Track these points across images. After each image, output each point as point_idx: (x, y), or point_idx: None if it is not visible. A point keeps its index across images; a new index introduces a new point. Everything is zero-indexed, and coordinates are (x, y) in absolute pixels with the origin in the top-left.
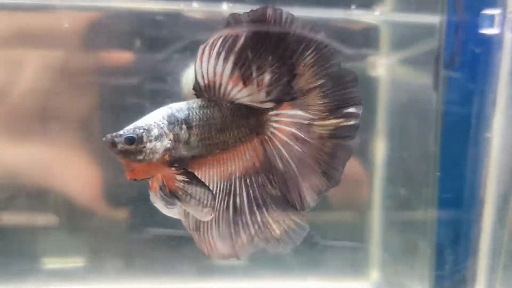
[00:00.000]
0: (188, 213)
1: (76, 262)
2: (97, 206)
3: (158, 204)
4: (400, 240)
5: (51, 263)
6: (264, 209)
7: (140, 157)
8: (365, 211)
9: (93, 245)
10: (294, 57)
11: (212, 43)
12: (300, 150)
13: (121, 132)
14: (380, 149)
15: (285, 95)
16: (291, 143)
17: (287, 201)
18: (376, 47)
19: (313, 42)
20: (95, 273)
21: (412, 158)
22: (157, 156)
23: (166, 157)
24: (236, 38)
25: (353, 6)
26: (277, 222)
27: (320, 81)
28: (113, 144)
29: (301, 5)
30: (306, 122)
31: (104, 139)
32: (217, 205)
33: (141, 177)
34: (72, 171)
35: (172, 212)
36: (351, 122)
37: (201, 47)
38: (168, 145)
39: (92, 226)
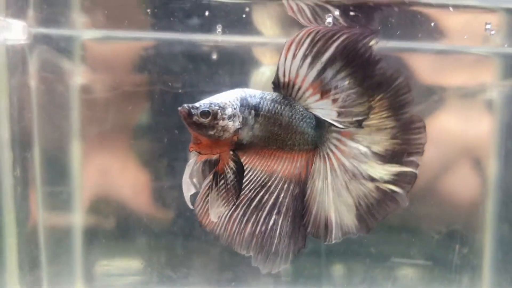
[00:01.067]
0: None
1: (131, 265)
2: (148, 211)
3: (188, 170)
4: None
5: (108, 265)
6: (281, 218)
7: (211, 132)
8: (477, 233)
9: (147, 249)
10: (373, 91)
11: (300, 40)
12: (344, 184)
13: (197, 104)
14: (493, 170)
15: (353, 122)
16: (339, 173)
17: (303, 223)
18: (489, 75)
19: (394, 86)
20: (150, 277)
21: None
22: (226, 134)
23: (235, 138)
24: (325, 44)
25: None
26: (280, 237)
27: (390, 124)
28: (189, 115)
29: (421, 39)
30: (363, 159)
31: (180, 108)
32: (246, 192)
33: (204, 152)
34: (125, 178)
35: (187, 185)
36: (410, 170)
37: (288, 42)
38: (238, 127)
39: (144, 230)
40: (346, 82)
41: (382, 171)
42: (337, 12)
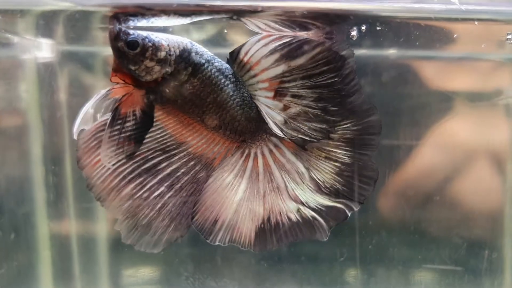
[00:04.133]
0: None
1: (149, 272)
2: None
3: (94, 100)
4: None
5: (128, 273)
6: (170, 193)
7: (132, 67)
8: (498, 238)
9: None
10: (339, 119)
11: (280, 36)
12: (262, 192)
13: (132, 31)
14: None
15: (296, 138)
16: (261, 178)
17: (193, 210)
18: (504, 80)
19: (365, 122)
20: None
21: None
22: (148, 77)
23: (152, 84)
24: (300, 49)
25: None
26: (160, 213)
27: (342, 159)
28: (116, 38)
29: (433, 47)
30: (297, 179)
31: (111, 26)
32: (144, 149)
33: (119, 86)
34: None
35: (86, 116)
36: (343, 209)
37: (276, 34)
38: (165, 76)
39: None
40: (310, 98)
41: (312, 198)
42: (363, 27)
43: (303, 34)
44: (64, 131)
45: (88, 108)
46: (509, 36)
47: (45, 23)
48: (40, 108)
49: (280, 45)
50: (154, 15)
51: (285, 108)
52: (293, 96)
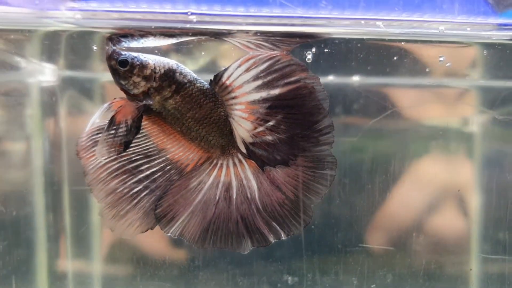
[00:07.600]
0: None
1: None
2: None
3: (99, 112)
4: (499, 280)
5: None
6: (145, 192)
7: (123, 82)
8: (463, 255)
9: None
10: (301, 153)
11: (260, 60)
12: (216, 198)
13: (123, 52)
14: (475, 200)
15: (264, 162)
16: (220, 186)
17: (157, 203)
18: (469, 107)
19: (323, 173)
20: None
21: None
22: (135, 91)
23: (141, 95)
24: (282, 79)
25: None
26: (136, 207)
27: (289, 194)
28: (109, 57)
29: (405, 74)
30: (247, 195)
31: (107, 47)
32: (130, 152)
33: (117, 100)
34: None
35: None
36: (265, 238)
37: (249, 55)
38: (149, 90)
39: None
40: (281, 129)
41: (251, 216)
42: (313, 49)
43: (277, 53)
44: (63, 151)
45: (95, 118)
46: (441, 59)
47: (49, 45)
48: (43, 131)
49: (262, 70)
50: (142, 36)
51: (257, 132)
52: (266, 121)
